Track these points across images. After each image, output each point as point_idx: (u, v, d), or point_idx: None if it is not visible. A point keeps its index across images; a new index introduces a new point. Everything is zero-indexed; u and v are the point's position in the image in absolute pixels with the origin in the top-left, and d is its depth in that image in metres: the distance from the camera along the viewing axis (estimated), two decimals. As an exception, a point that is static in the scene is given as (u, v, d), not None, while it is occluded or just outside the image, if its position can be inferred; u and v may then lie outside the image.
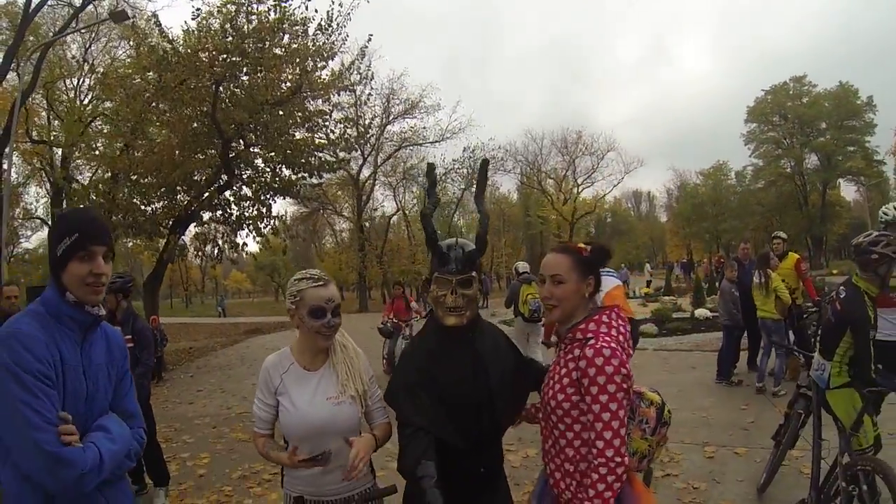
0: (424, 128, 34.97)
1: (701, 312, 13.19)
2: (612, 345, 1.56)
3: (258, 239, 13.73)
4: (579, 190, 44.75)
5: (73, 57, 18.29)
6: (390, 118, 33.15)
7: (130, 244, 12.20)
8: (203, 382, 9.61)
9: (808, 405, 3.45)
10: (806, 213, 41.29)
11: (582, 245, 1.78)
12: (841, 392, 2.96)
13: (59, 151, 15.38)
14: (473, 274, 1.86)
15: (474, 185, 2.11)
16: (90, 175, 14.93)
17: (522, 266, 8.07)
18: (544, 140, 44.42)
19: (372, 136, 29.81)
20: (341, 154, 14.23)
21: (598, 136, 60.29)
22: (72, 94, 18.89)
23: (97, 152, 11.79)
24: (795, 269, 6.73)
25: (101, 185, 10.95)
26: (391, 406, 1.88)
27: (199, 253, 14.05)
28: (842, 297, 3.01)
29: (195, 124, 10.47)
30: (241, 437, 6.02)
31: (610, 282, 6.18)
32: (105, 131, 12.28)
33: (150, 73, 9.77)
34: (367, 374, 2.00)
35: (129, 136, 10.48)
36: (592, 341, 1.58)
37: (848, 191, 47.05)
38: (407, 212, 41.25)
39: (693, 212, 46.93)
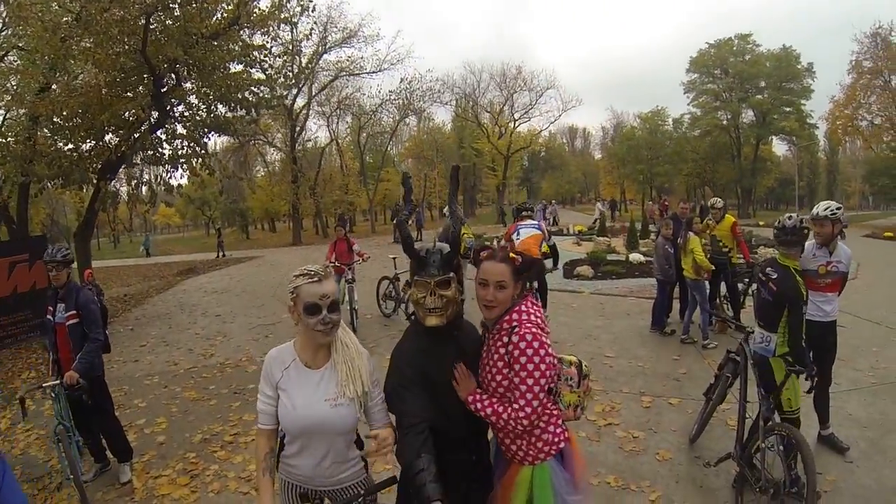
0: (362, 58, 33.65)
1: (635, 257, 13.52)
2: (534, 330, 1.90)
3: (194, 179, 12.95)
4: (516, 125, 44.44)
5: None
6: (327, 47, 31.28)
7: (50, 185, 11.08)
8: (144, 336, 9.31)
9: (735, 369, 3.84)
10: (738, 165, 42.88)
11: (514, 255, 2.04)
12: (780, 360, 3.31)
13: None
14: (452, 275, 1.95)
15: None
16: (3, 115, 13.23)
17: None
18: (483, 73, 43.93)
19: (309, 70, 28.12)
20: (279, 91, 13.36)
21: (538, 72, 60.25)
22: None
23: (10, 93, 10.39)
24: (732, 231, 7.15)
25: (18, 129, 9.75)
26: (389, 405, 1.96)
27: (131, 198, 13.11)
28: (773, 277, 3.32)
29: (122, 59, 9.41)
30: (195, 397, 5.98)
31: (526, 231, 6.66)
32: (18, 67, 10.82)
33: (70, 1, 8.58)
34: (368, 375, 1.96)
35: (49, 74, 9.30)
36: (518, 329, 1.90)
37: (779, 147, 48.97)
38: (340, 141, 40.09)
39: (628, 153, 47.73)
